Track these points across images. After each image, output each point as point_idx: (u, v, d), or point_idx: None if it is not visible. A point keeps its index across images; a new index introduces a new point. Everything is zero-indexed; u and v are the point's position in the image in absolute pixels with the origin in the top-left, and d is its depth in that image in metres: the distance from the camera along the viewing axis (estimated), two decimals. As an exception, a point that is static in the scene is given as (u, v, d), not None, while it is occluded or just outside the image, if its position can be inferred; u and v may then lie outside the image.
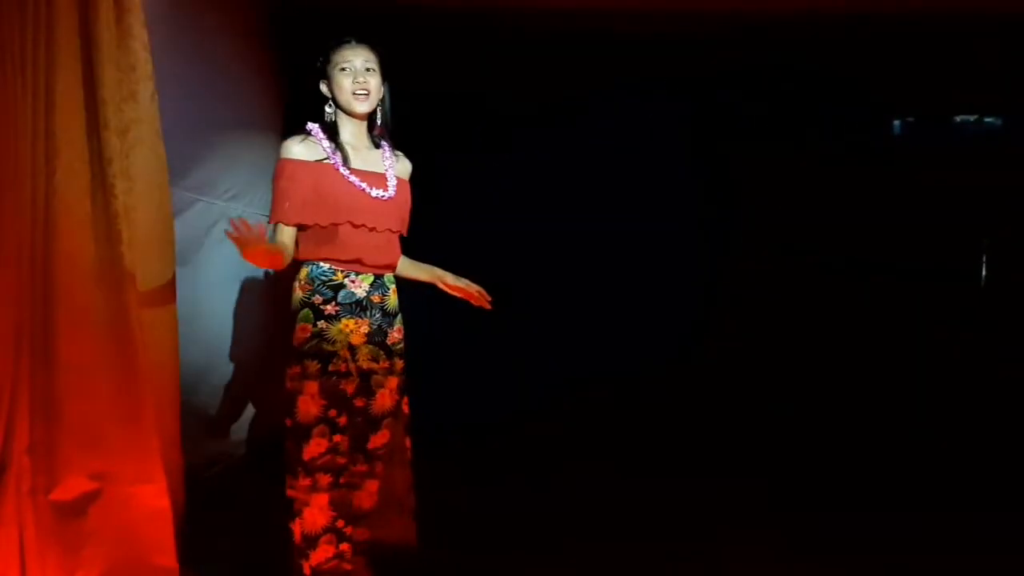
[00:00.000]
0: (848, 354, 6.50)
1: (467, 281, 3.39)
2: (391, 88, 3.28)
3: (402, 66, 3.37)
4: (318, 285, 3.14)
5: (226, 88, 4.68)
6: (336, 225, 3.11)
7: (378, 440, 3.19)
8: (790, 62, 6.32)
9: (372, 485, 3.19)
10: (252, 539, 3.68)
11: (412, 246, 3.39)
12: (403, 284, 3.37)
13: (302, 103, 3.39)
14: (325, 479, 3.09)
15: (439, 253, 3.50)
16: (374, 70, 3.18)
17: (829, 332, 6.61)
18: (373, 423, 3.17)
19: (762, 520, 4.48)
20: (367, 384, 3.16)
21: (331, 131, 3.20)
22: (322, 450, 3.09)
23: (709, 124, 6.79)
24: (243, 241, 2.83)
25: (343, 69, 3.16)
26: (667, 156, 6.76)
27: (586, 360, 6.42)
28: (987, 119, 7.31)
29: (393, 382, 3.22)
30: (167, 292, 3.40)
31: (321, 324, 3.12)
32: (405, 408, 3.31)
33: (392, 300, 3.26)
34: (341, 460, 3.10)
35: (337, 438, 3.10)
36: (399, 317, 3.27)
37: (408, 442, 3.32)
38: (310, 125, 3.20)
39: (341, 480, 3.11)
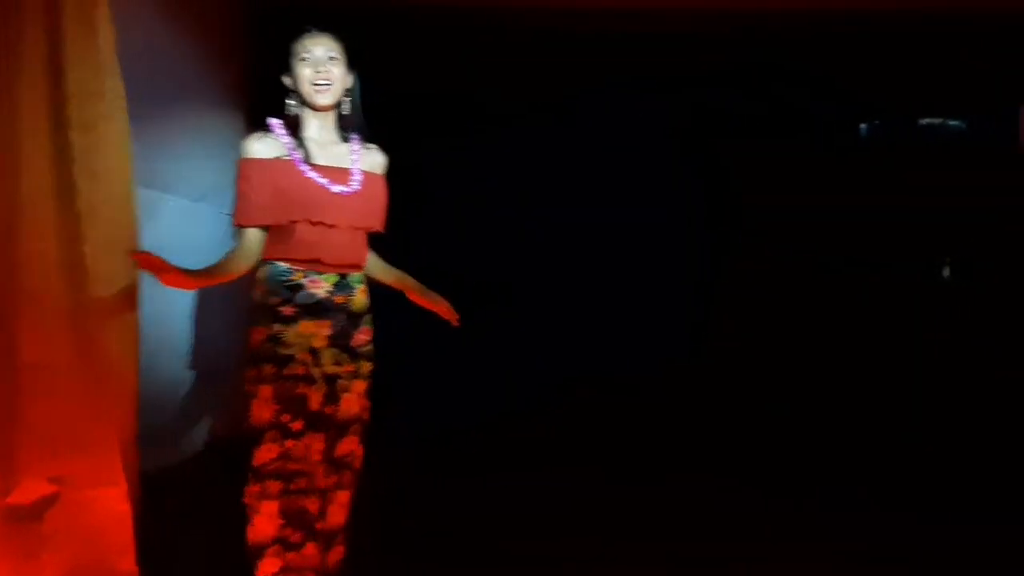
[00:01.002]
0: (842, 353, 6.56)
1: (436, 295, 3.34)
2: (361, 80, 3.19)
3: (390, 64, 3.31)
4: (275, 286, 3.05)
5: (196, 87, 4.63)
6: (293, 223, 3.01)
7: (346, 447, 3.11)
8: (781, 61, 6.38)
9: (343, 496, 3.11)
10: (213, 544, 3.61)
11: (410, 244, 3.32)
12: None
13: (267, 99, 3.28)
14: (275, 486, 3.00)
15: (435, 251, 3.47)
16: (337, 59, 3.08)
17: (823, 330, 6.68)
18: (340, 429, 3.09)
19: (758, 519, 4.52)
20: (332, 389, 3.07)
21: (293, 126, 3.10)
22: (272, 456, 3.00)
23: (699, 122, 6.85)
24: (152, 270, 2.79)
25: (303, 59, 3.06)
26: (657, 154, 6.81)
27: (579, 359, 6.44)
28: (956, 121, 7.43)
29: (359, 386, 3.14)
30: (130, 293, 3.33)
31: (277, 326, 3.03)
32: (367, 417, 3.22)
33: (358, 301, 3.16)
34: (293, 466, 3.00)
35: (289, 444, 2.99)
36: (367, 318, 3.18)
37: (361, 451, 3.21)
38: (270, 121, 3.11)
39: (292, 487, 3.00)
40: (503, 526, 4.35)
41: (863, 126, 7.57)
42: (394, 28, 5.59)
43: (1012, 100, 6.86)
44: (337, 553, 3.14)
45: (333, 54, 3.07)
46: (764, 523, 4.47)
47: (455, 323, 3.34)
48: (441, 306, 3.33)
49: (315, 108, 3.10)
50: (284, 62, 3.13)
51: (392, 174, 3.31)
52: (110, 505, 3.17)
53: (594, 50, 5.97)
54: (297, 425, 3.00)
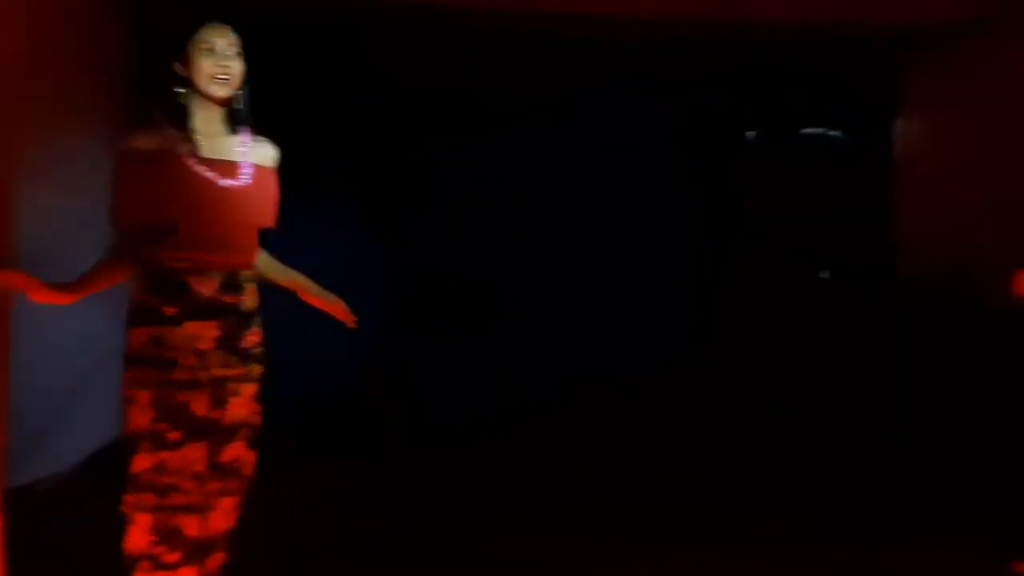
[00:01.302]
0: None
1: (332, 296, 3.19)
2: (249, 74, 3.00)
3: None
4: (156, 286, 2.86)
5: (68, 76, 4.44)
6: (177, 219, 2.83)
7: (232, 453, 2.94)
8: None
9: (228, 503, 2.94)
10: (93, 555, 3.44)
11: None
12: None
13: (151, 88, 3.06)
14: (148, 498, 2.82)
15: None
16: (238, 54, 2.94)
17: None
18: (226, 435, 2.92)
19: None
20: (220, 393, 2.90)
21: (180, 117, 2.92)
22: (146, 466, 2.82)
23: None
24: (18, 289, 2.69)
25: (205, 50, 2.89)
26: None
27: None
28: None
29: (249, 389, 2.98)
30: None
31: (159, 328, 2.85)
32: (257, 420, 3.04)
33: (248, 301, 2.99)
34: (167, 480, 2.82)
35: (164, 455, 2.81)
36: (257, 319, 3.02)
37: (251, 458, 3.03)
38: (154, 113, 2.92)
39: (167, 502, 2.82)
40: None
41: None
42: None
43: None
44: (216, 560, 2.95)
45: (235, 48, 2.94)
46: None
47: (351, 325, 3.20)
48: (337, 307, 3.18)
49: (211, 100, 2.94)
50: (174, 48, 2.94)
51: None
52: None
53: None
54: (175, 435, 2.82)
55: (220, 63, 2.89)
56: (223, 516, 2.94)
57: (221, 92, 2.92)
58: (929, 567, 3.95)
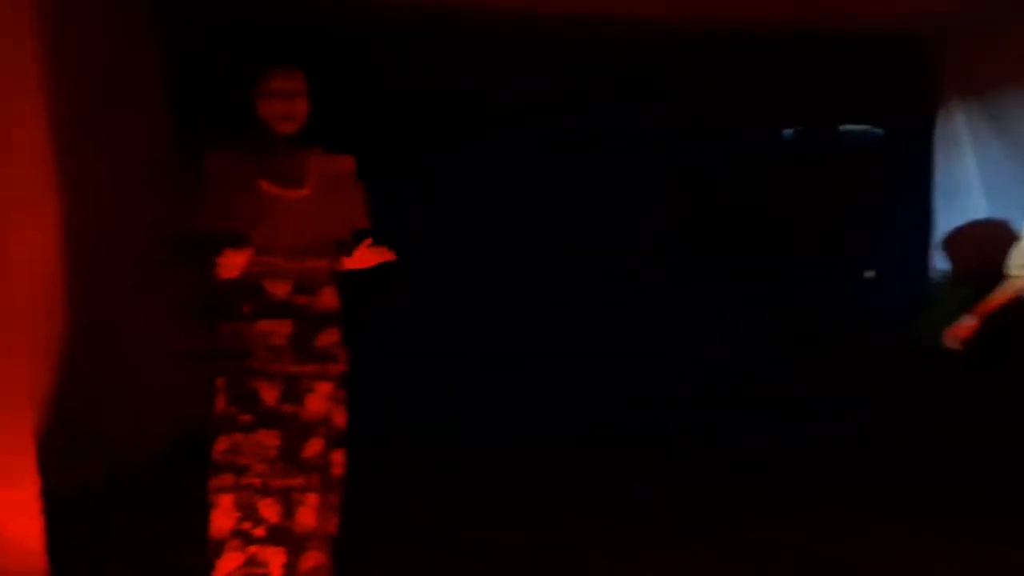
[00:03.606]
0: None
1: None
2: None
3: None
4: (235, 286, 3.07)
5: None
6: (247, 231, 3.04)
7: (312, 449, 3.09)
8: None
9: (312, 499, 3.09)
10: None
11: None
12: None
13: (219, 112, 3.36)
14: (228, 479, 3.04)
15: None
16: (303, 94, 3.13)
17: None
18: (303, 429, 3.08)
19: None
20: (293, 389, 3.08)
21: (252, 139, 3.14)
22: (224, 447, 3.05)
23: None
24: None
25: (271, 92, 3.10)
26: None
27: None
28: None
29: (325, 387, 3.13)
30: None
31: (235, 324, 3.09)
32: (339, 420, 3.22)
33: (324, 302, 3.18)
34: (243, 460, 3.03)
35: (238, 437, 3.03)
36: (334, 320, 3.20)
37: (338, 457, 3.22)
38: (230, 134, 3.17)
39: (243, 481, 3.03)
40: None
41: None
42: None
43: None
44: (312, 559, 3.10)
45: (300, 89, 3.13)
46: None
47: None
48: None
49: (279, 129, 3.13)
50: (247, 79, 3.17)
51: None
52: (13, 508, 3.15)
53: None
54: (246, 418, 3.04)
55: (285, 106, 3.10)
56: (309, 512, 3.08)
57: (286, 129, 3.13)
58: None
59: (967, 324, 4.07)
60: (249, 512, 3.03)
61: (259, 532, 3.03)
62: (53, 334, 4.01)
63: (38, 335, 3.72)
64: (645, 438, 5.85)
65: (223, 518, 3.03)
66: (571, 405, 6.30)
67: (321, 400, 3.12)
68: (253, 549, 3.02)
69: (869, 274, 7.74)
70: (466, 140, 6.75)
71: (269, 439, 3.05)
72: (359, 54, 5.77)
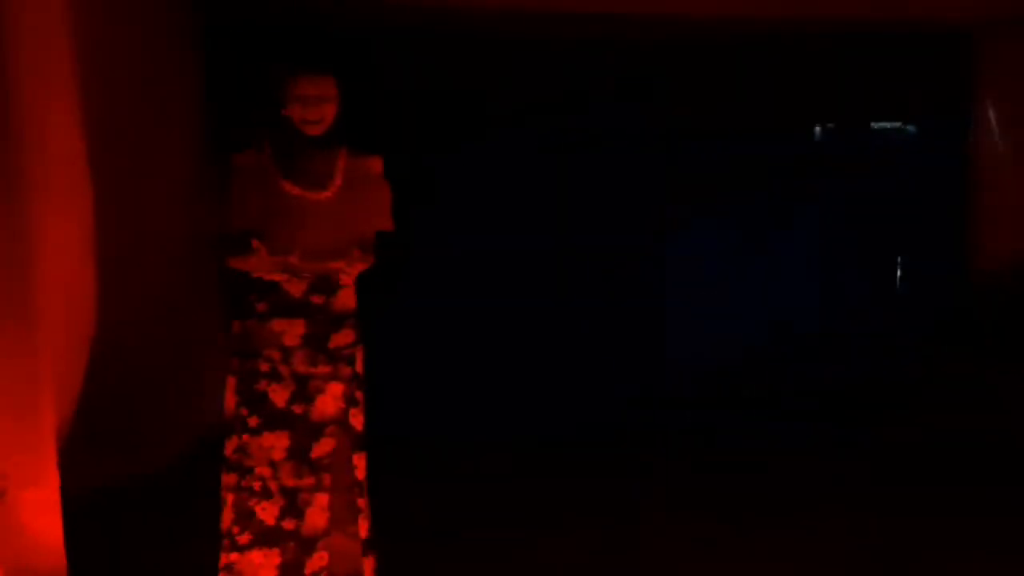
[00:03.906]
0: None
1: None
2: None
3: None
4: (252, 283, 3.10)
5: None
6: (266, 230, 3.05)
7: (322, 449, 3.10)
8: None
9: (322, 499, 3.10)
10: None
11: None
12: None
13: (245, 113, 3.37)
14: (232, 478, 3.09)
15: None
16: (332, 98, 3.12)
17: None
18: (314, 431, 3.09)
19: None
20: (303, 389, 3.09)
21: (277, 138, 3.15)
22: (233, 447, 3.09)
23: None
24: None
25: (300, 97, 3.09)
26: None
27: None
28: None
29: (337, 388, 3.13)
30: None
31: (249, 322, 3.10)
32: (356, 422, 3.22)
33: (341, 302, 3.17)
34: (247, 462, 3.06)
35: (245, 438, 3.06)
36: (351, 320, 3.20)
37: (358, 459, 3.22)
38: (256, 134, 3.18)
39: (243, 483, 3.06)
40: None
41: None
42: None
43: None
44: (321, 560, 3.11)
45: (328, 94, 3.12)
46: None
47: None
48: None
49: (307, 132, 3.13)
50: (276, 83, 3.16)
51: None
52: (38, 507, 3.18)
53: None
54: (253, 421, 3.06)
55: (312, 110, 3.09)
56: (319, 513, 3.09)
57: (313, 132, 3.12)
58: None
59: None
60: (242, 515, 3.06)
61: (245, 536, 3.05)
62: (80, 333, 4.04)
63: (65, 334, 3.75)
64: (645, 438, 5.84)
65: (225, 516, 3.09)
66: (571, 405, 6.29)
67: (332, 401, 3.13)
68: (235, 555, 3.06)
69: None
70: (465, 140, 6.74)
71: (275, 441, 3.07)
72: (359, 54, 5.78)
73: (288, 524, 3.06)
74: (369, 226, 3.22)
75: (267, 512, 3.06)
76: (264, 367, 3.07)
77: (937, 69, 7.05)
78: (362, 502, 3.21)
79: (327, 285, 3.14)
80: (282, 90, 3.10)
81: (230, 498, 3.07)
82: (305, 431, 3.09)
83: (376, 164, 3.27)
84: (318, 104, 3.10)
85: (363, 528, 3.21)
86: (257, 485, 3.05)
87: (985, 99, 6.89)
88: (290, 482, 3.06)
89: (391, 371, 5.33)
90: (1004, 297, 6.36)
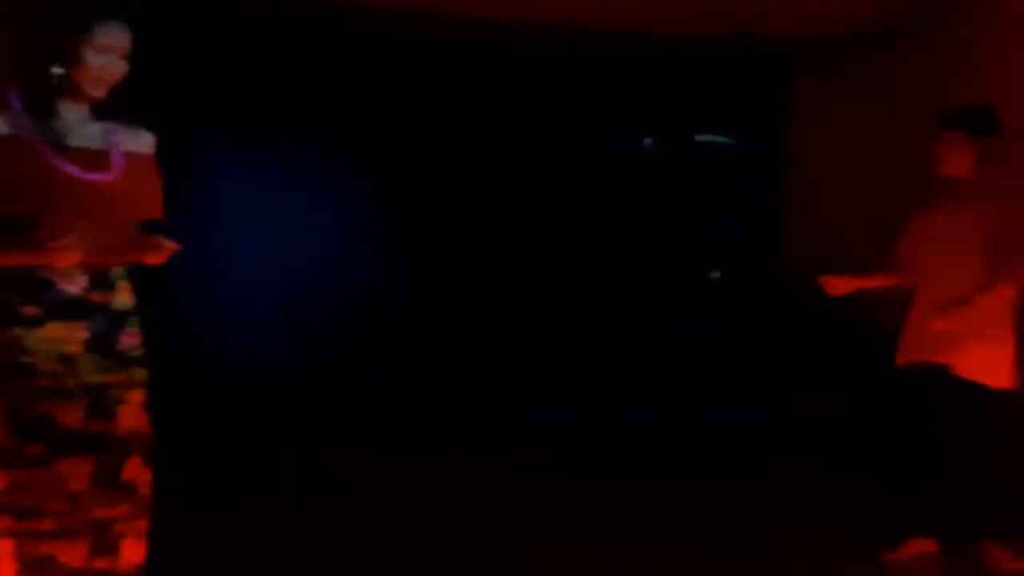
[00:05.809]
0: None
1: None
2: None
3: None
4: (14, 282, 2.57)
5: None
6: (37, 211, 2.54)
7: (131, 469, 2.66)
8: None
9: (140, 525, 2.67)
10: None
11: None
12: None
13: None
14: (5, 522, 2.53)
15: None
16: (128, 55, 2.64)
17: None
18: (121, 449, 2.64)
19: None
20: (100, 402, 2.62)
21: (42, 103, 2.63)
22: (3, 487, 2.54)
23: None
24: None
25: (96, 50, 2.59)
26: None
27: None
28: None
29: (137, 396, 2.69)
30: None
31: (16, 330, 2.56)
32: (148, 432, 2.74)
33: (122, 299, 2.70)
34: (29, 500, 2.54)
35: (25, 473, 2.54)
36: (134, 318, 2.72)
37: (147, 474, 2.73)
38: (9, 93, 2.61)
39: (28, 527, 2.54)
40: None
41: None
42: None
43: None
44: None
45: (127, 49, 2.64)
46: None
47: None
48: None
49: (84, 95, 2.66)
50: (60, 28, 2.62)
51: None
52: None
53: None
54: (33, 450, 2.55)
55: (108, 65, 2.62)
56: (136, 545, 2.68)
57: (100, 93, 2.65)
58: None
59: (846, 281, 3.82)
60: (36, 564, 2.55)
61: None
62: None
63: None
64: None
65: (4, 565, 2.55)
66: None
67: (135, 412, 2.69)
68: None
69: (715, 275, 8.00)
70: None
71: (74, 469, 2.58)
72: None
73: (100, 563, 2.62)
74: (142, 212, 2.73)
75: (71, 554, 2.58)
76: (45, 384, 2.56)
77: (759, 88, 7.35)
78: (145, 526, 2.75)
79: (106, 280, 2.67)
80: (71, 41, 2.59)
81: (7, 546, 2.54)
82: (113, 451, 2.63)
83: (149, 140, 2.81)
84: (116, 59, 2.62)
85: (139, 553, 2.73)
86: (50, 525, 2.55)
87: (800, 117, 7.28)
88: (98, 514, 2.61)
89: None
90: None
